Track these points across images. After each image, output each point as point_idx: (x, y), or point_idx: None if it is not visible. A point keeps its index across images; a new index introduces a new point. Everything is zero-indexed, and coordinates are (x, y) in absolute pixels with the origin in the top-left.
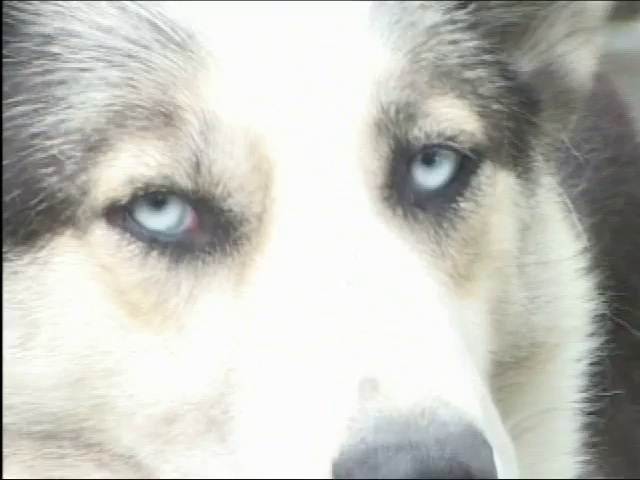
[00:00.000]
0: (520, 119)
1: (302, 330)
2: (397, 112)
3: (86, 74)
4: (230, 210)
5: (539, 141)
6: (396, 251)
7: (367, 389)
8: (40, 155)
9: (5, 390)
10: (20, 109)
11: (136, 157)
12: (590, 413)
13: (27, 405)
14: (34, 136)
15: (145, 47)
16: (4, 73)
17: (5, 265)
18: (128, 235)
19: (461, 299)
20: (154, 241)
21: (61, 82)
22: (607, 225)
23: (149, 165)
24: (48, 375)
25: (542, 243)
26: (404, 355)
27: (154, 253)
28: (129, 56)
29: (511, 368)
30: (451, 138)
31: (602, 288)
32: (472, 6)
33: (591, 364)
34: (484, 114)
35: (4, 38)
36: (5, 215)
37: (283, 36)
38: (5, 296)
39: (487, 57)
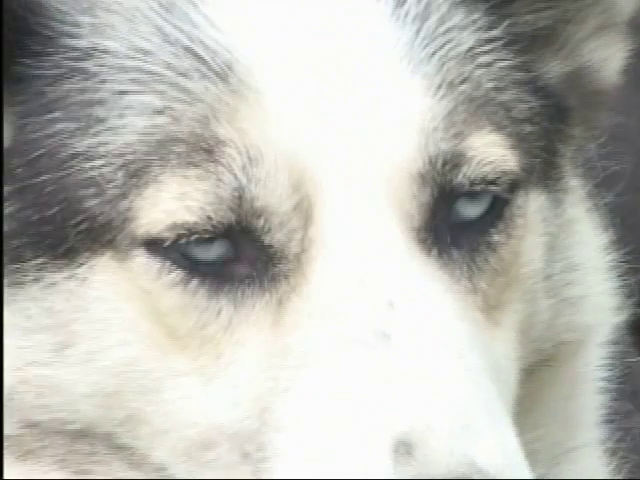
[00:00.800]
0: (551, 133)
1: (336, 382)
2: (444, 164)
3: (126, 97)
4: (270, 246)
5: (568, 147)
6: (430, 297)
7: (402, 453)
8: (80, 176)
9: (41, 390)
10: (60, 126)
11: (179, 200)
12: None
13: (62, 406)
14: (74, 156)
15: (184, 75)
16: (41, 87)
17: (44, 275)
18: (169, 264)
19: (491, 330)
20: (194, 270)
21: (100, 102)
22: None
23: (191, 209)
24: (83, 383)
25: (568, 247)
26: (437, 416)
27: (194, 281)
28: (169, 84)
29: (534, 369)
30: (492, 182)
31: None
32: (507, 22)
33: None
34: (518, 140)
35: (39, 49)
36: (45, 229)
37: (324, 72)
38: (43, 304)
39: (519, 75)
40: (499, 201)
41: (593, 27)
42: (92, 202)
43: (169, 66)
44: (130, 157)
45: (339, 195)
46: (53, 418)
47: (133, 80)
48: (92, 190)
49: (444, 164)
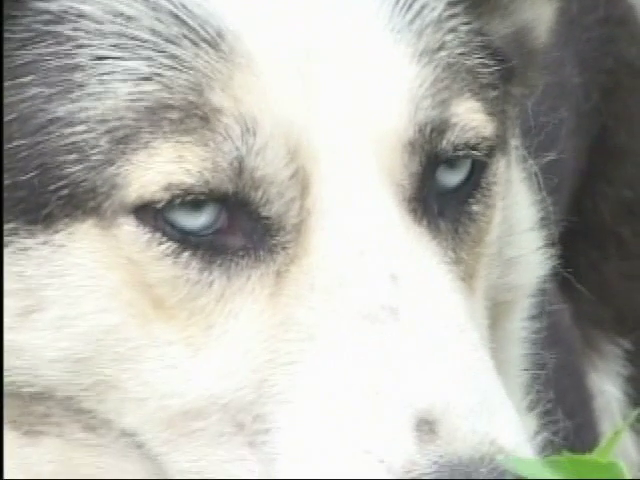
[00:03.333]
0: (504, 96)
1: (346, 357)
2: (432, 131)
3: (107, 62)
4: (267, 217)
5: (512, 108)
6: (430, 270)
7: (426, 431)
8: (60, 141)
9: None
10: (34, 91)
11: (175, 163)
12: None
13: (22, 370)
14: (52, 121)
15: (173, 43)
16: (10, 50)
17: (15, 240)
18: (159, 235)
19: (471, 300)
20: (186, 241)
21: (77, 67)
22: (596, 85)
23: (190, 172)
24: (52, 349)
25: (507, 208)
26: (455, 393)
27: (186, 254)
28: (157, 50)
29: None
30: (474, 147)
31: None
32: None
33: None
34: (490, 106)
35: (7, 12)
36: (18, 194)
37: (312, 40)
38: (11, 269)
39: (479, 40)
40: (476, 170)
41: None
42: (74, 168)
43: (155, 32)
44: (115, 123)
45: (333, 165)
46: (11, 381)
47: (114, 45)
48: (74, 156)
49: (432, 131)
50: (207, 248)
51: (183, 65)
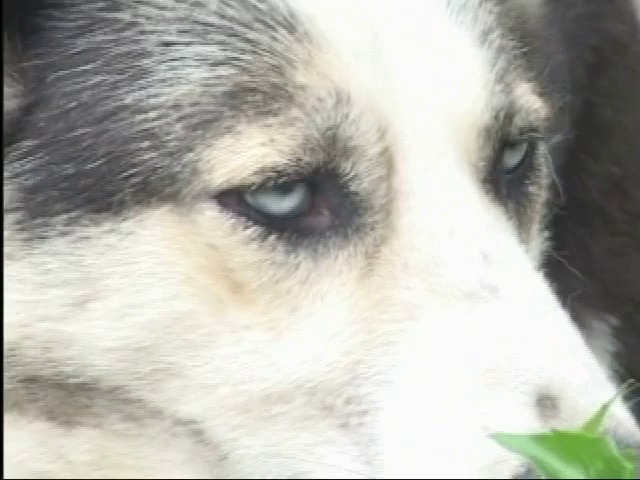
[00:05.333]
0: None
1: (452, 336)
2: (505, 116)
3: (175, 48)
4: (356, 193)
5: None
6: (516, 249)
7: (547, 407)
8: (131, 129)
9: (49, 345)
10: (96, 79)
11: (267, 145)
12: None
13: (70, 360)
14: (120, 109)
15: (247, 27)
16: (65, 39)
17: (76, 229)
18: (244, 219)
19: None
20: (271, 224)
21: (144, 54)
22: (582, 61)
23: (282, 152)
24: (108, 338)
25: None
26: (569, 368)
27: (272, 237)
28: (230, 34)
29: None
30: (536, 129)
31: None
32: None
33: None
34: (538, 87)
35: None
36: (83, 182)
37: (382, 21)
38: (67, 258)
39: (508, 21)
40: (528, 151)
41: None
42: (148, 155)
43: (224, 17)
44: (190, 109)
45: (416, 147)
46: (57, 372)
47: (182, 31)
48: (147, 143)
49: (504, 116)
50: (293, 230)
51: (260, 48)
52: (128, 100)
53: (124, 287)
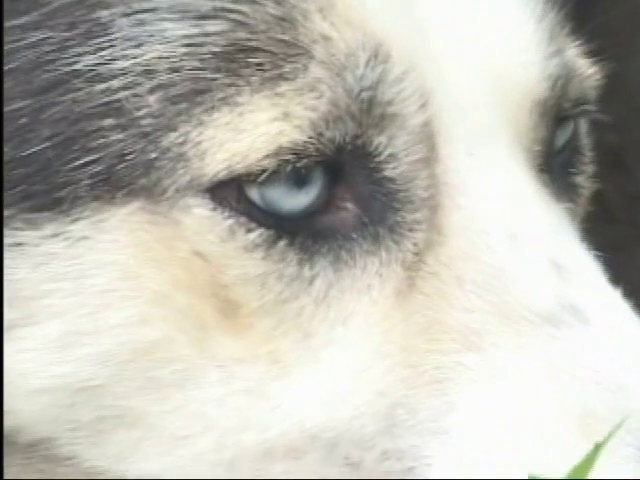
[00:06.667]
0: None
1: (528, 369)
2: (562, 85)
3: None
4: (392, 179)
5: None
6: (586, 256)
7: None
8: (87, 102)
9: None
10: (37, 36)
11: (280, 120)
12: None
13: None
14: (70, 75)
15: None
16: None
17: (6, 233)
18: (245, 219)
19: None
20: (280, 226)
21: (104, 3)
22: None
23: (301, 127)
24: (42, 375)
25: None
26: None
27: (282, 242)
28: None
29: None
30: (589, 101)
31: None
32: None
33: None
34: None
35: None
36: (17, 172)
37: None
38: None
39: None
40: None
41: None
42: (112, 137)
43: None
44: (168, 76)
45: (460, 124)
46: None
47: None
48: (109, 121)
49: (561, 85)
50: (308, 233)
51: None
52: (80, 64)
53: (70, 309)
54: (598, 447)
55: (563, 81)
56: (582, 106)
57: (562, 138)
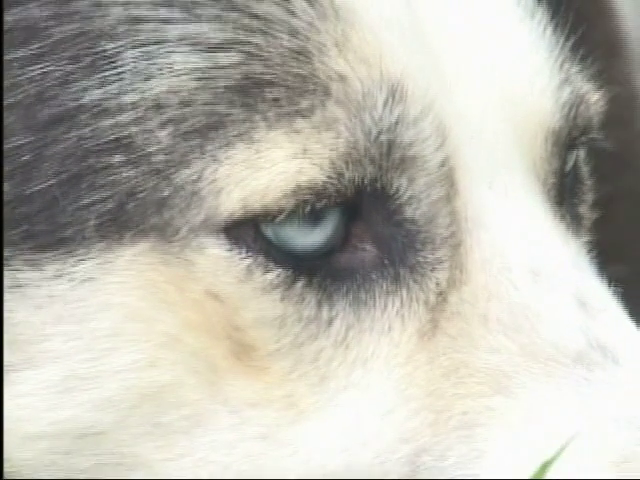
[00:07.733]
0: None
1: (559, 413)
2: (575, 115)
3: (149, 26)
4: (413, 220)
5: None
6: (603, 288)
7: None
8: (95, 138)
9: None
10: (39, 69)
11: (299, 158)
12: None
13: None
14: (76, 110)
15: None
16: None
17: (6, 274)
18: (262, 259)
19: None
20: (298, 266)
21: (108, 35)
22: None
23: (321, 166)
24: (42, 422)
25: None
26: None
27: (300, 283)
28: (231, 8)
29: None
30: (594, 128)
31: None
32: None
33: None
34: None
35: None
36: (19, 212)
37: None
38: None
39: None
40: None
41: None
42: (122, 174)
43: None
44: (180, 111)
45: (478, 157)
46: None
47: (155, 4)
48: (119, 157)
49: (575, 115)
50: (327, 273)
51: (273, 26)
52: (86, 99)
53: (72, 353)
54: (546, 465)
55: (575, 109)
56: (589, 134)
57: (567, 167)
